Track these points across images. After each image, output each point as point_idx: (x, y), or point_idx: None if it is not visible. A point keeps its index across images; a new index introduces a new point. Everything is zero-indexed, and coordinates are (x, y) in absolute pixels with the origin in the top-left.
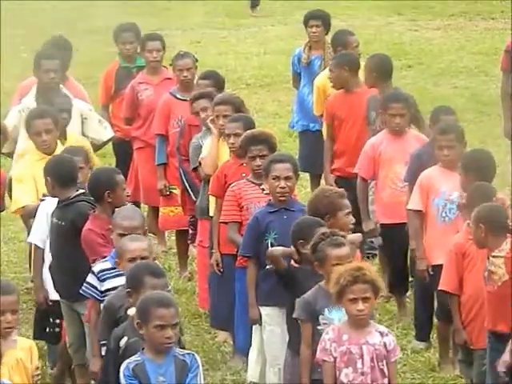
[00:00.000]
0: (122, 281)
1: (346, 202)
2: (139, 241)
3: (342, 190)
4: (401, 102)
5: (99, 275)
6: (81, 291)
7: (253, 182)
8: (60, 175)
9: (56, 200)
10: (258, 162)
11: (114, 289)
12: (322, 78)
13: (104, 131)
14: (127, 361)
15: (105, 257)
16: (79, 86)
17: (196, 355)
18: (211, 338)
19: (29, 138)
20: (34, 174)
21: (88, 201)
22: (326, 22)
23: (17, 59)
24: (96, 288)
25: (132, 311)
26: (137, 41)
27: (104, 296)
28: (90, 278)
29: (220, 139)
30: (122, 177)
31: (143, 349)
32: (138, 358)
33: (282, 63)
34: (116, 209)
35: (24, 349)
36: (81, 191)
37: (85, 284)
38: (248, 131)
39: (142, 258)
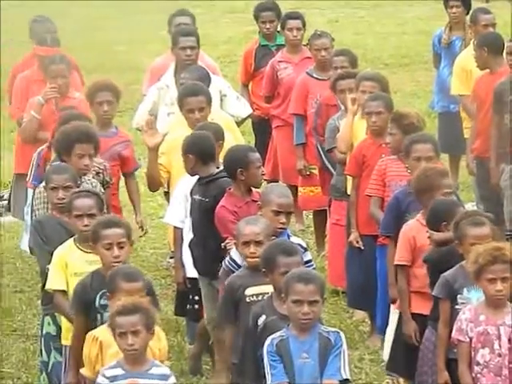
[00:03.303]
0: None
1: (447, 181)
2: (254, 224)
3: (444, 168)
4: None
5: None
6: (224, 266)
7: (400, 159)
8: (202, 152)
9: (192, 179)
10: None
11: None
12: (462, 58)
13: (242, 108)
14: (272, 336)
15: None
16: (210, 60)
17: (341, 333)
18: (349, 317)
19: (182, 113)
20: (175, 151)
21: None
22: (467, 2)
23: (156, 37)
24: (239, 266)
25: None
26: (277, 19)
27: None
28: (234, 254)
29: (358, 117)
30: (256, 155)
31: (289, 325)
32: (283, 334)
33: (422, 43)
34: (254, 187)
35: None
36: (221, 168)
37: (228, 259)
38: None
39: (257, 242)
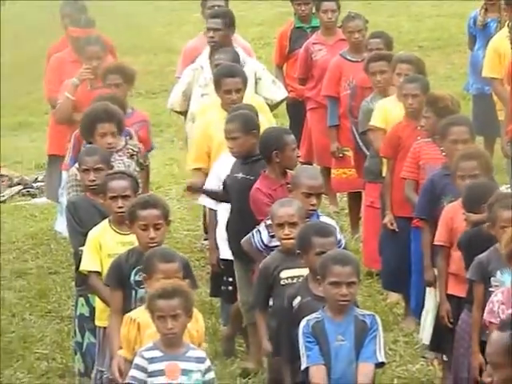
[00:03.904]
0: None
1: (469, 163)
2: (288, 206)
3: (473, 151)
4: None
5: (271, 231)
6: (252, 242)
7: (435, 142)
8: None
9: (226, 161)
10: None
11: None
12: (495, 40)
13: (278, 91)
14: (307, 317)
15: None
16: (244, 42)
17: (376, 316)
18: (383, 299)
19: (217, 94)
20: (212, 136)
21: None
22: None
23: (190, 19)
24: (267, 246)
25: None
26: (312, 1)
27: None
28: (262, 228)
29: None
30: (291, 137)
31: (324, 306)
32: (319, 316)
33: (456, 25)
34: (289, 169)
35: None
36: None
37: (258, 239)
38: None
39: (291, 224)
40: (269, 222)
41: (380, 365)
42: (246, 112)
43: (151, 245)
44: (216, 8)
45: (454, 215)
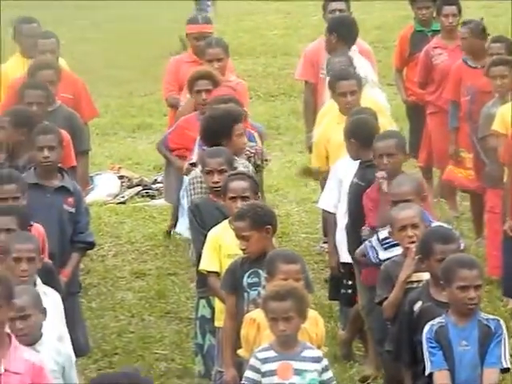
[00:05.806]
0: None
1: None
2: (408, 209)
3: None
4: None
5: (383, 242)
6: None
7: None
8: (365, 136)
9: (346, 164)
10: None
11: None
12: None
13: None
14: (431, 322)
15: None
16: (365, 45)
17: (501, 321)
18: (503, 306)
19: (332, 97)
20: (329, 138)
21: None
22: None
23: (309, 22)
24: (377, 255)
25: None
26: (433, 5)
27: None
28: (375, 242)
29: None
30: (380, 143)
31: (447, 311)
32: (442, 321)
33: None
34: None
35: (309, 318)
36: None
37: (372, 253)
38: None
39: (413, 226)
40: (381, 234)
41: (505, 370)
42: (357, 118)
43: (244, 252)
44: (337, 12)
45: None
